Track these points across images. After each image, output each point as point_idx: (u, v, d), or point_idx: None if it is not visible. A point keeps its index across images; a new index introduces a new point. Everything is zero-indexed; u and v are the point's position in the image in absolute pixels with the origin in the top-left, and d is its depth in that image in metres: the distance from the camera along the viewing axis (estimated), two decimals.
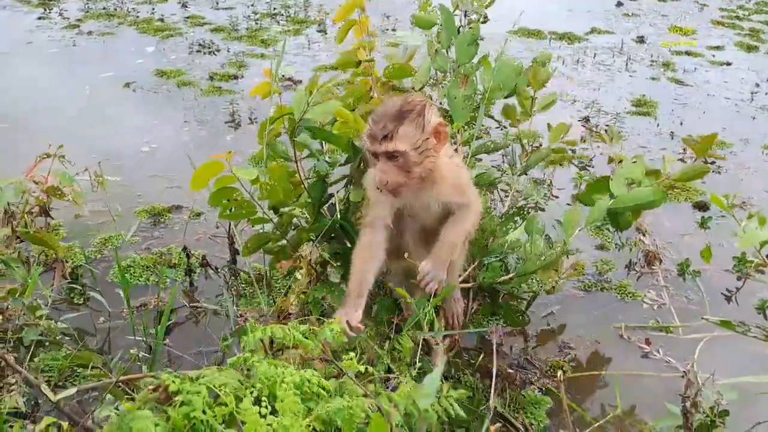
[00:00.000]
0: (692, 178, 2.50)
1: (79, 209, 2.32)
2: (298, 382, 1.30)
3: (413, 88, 3.00)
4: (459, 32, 2.87)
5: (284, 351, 1.46)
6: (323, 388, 1.36)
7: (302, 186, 2.55)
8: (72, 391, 1.68)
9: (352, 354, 1.45)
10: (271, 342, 1.53)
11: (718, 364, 2.60)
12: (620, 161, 2.48)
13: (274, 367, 1.34)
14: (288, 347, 1.45)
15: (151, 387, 1.23)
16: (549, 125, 3.04)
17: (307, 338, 1.44)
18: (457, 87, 2.74)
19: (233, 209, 2.27)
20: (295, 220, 2.52)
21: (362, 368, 1.45)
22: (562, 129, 2.98)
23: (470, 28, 2.91)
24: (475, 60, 2.82)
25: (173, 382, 1.21)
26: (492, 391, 2.20)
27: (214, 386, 1.22)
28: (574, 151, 4.18)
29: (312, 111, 2.33)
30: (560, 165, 3.29)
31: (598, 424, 2.18)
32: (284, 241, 2.50)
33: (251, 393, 1.26)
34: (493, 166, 4.05)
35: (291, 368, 1.35)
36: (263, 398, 1.27)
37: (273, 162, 2.55)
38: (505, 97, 2.87)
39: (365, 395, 1.41)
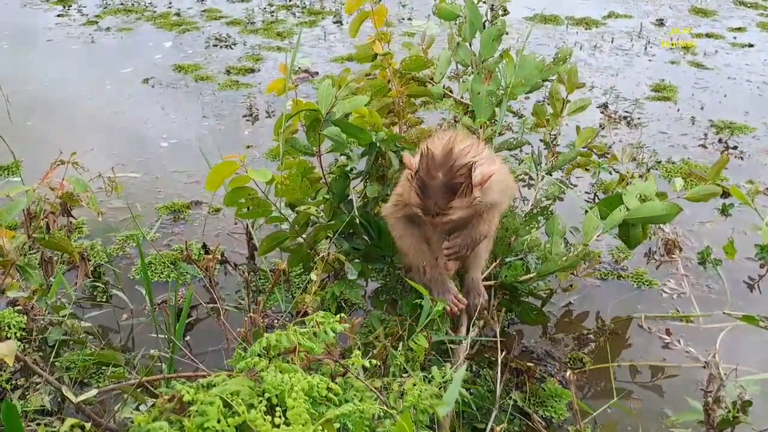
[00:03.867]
0: (703, 199, 2.56)
1: (95, 214, 2.36)
2: (307, 388, 1.32)
3: (432, 79, 2.98)
4: (484, 26, 2.86)
5: (293, 352, 1.47)
6: (332, 391, 1.37)
7: (320, 182, 2.56)
8: (93, 392, 1.72)
9: (358, 352, 1.46)
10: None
11: (741, 354, 2.59)
12: (630, 178, 2.57)
13: (281, 373, 1.36)
14: (293, 350, 1.47)
15: (166, 397, 1.26)
16: (578, 128, 3.02)
17: (315, 335, 1.45)
18: (481, 82, 2.73)
19: (249, 208, 2.30)
20: (312, 217, 2.53)
21: (367, 363, 1.47)
22: (589, 134, 2.96)
23: (493, 23, 2.88)
24: (496, 54, 2.81)
25: (187, 392, 1.23)
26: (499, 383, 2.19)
27: (226, 396, 1.24)
28: (600, 156, 4.13)
29: (340, 105, 2.33)
30: (586, 170, 3.27)
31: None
32: (301, 239, 2.52)
33: (262, 402, 1.28)
34: (511, 156, 4.05)
35: (299, 373, 1.36)
36: (276, 406, 1.28)
37: (289, 158, 2.57)
38: (527, 93, 2.86)
39: (371, 390, 1.42)
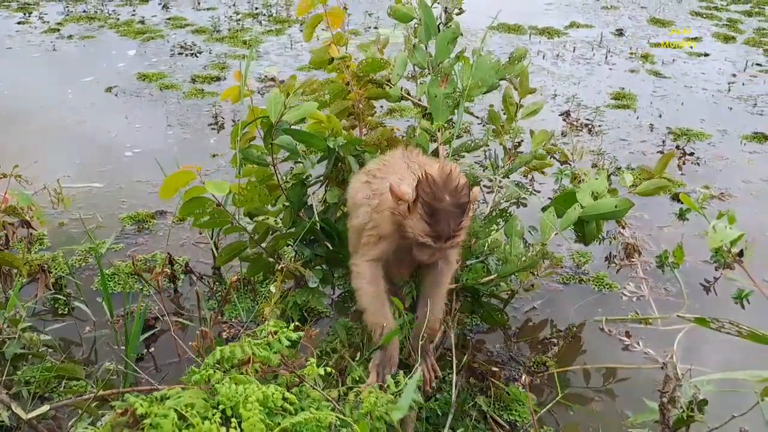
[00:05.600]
0: (652, 193, 2.60)
1: (41, 228, 2.32)
2: (262, 399, 1.31)
3: (389, 81, 2.91)
4: (439, 29, 2.82)
5: (247, 363, 1.45)
6: (288, 401, 1.36)
7: (279, 190, 2.52)
8: (44, 409, 1.68)
9: (312, 360, 1.45)
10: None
11: (704, 354, 2.67)
12: (582, 176, 2.60)
13: (236, 384, 1.34)
14: (248, 362, 1.44)
15: (119, 410, 1.24)
16: (532, 132, 3.05)
17: (270, 345, 1.44)
18: (437, 85, 2.70)
19: (207, 218, 2.27)
20: (272, 224, 2.50)
21: (322, 371, 1.45)
22: (544, 136, 2.98)
23: (448, 25, 2.87)
24: (452, 56, 2.76)
25: (141, 405, 1.22)
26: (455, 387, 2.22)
27: (180, 408, 1.23)
28: (554, 144, 4.21)
29: (290, 113, 2.28)
30: (542, 173, 3.31)
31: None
32: (260, 249, 2.49)
33: (216, 414, 1.26)
34: (475, 162, 4.11)
35: (254, 384, 1.35)
36: (231, 417, 1.27)
37: (249, 165, 2.53)
38: (484, 93, 2.82)
39: (327, 401, 1.42)
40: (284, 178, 2.51)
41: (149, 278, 2.02)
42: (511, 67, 2.80)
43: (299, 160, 2.42)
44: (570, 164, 4.18)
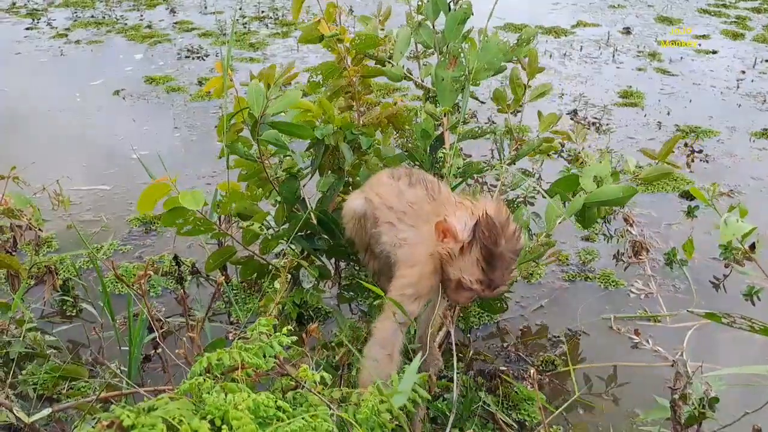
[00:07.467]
0: (658, 179, 2.55)
1: (40, 230, 2.31)
2: (253, 407, 1.27)
3: (391, 59, 2.81)
4: (449, 8, 2.71)
5: (237, 370, 1.41)
6: (281, 409, 1.32)
7: (270, 184, 2.47)
8: (46, 412, 1.68)
9: (305, 366, 1.42)
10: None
11: (710, 351, 2.64)
12: (582, 159, 2.55)
13: (225, 393, 1.31)
14: (237, 368, 1.41)
15: (105, 422, 1.23)
16: (539, 113, 2.98)
17: (263, 351, 1.40)
18: (445, 67, 2.58)
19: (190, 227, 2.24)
20: (265, 222, 2.46)
21: (318, 377, 1.41)
22: (552, 119, 2.93)
23: (457, 2, 2.73)
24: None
25: (128, 416, 1.20)
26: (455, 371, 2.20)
27: (168, 418, 1.20)
28: (563, 144, 4.20)
29: (273, 105, 2.20)
30: (548, 155, 3.27)
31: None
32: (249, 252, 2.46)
33: (204, 424, 1.23)
34: (483, 162, 4.09)
35: (245, 392, 1.31)
36: (222, 425, 1.25)
37: (238, 159, 2.47)
38: (492, 76, 2.72)
39: (326, 404, 1.39)
40: (275, 172, 2.43)
41: (131, 282, 1.98)
42: (519, 49, 2.70)
43: (288, 154, 2.37)
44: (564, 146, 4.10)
